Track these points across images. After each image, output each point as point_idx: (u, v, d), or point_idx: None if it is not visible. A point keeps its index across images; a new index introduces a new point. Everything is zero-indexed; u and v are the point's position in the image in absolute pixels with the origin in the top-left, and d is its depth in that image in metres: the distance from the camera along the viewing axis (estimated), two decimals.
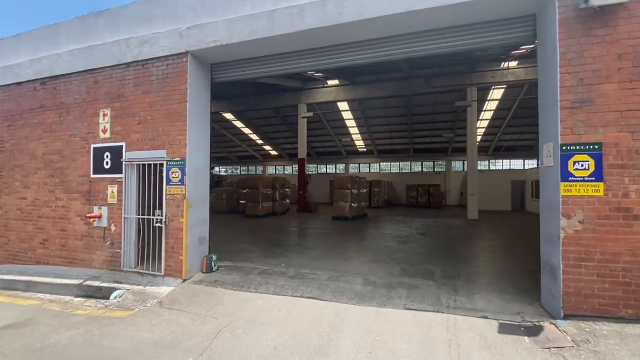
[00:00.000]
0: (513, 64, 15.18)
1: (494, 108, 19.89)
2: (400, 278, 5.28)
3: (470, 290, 4.71)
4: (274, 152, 30.73)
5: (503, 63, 15.26)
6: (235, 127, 25.88)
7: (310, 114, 17.80)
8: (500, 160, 26.07)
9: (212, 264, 5.71)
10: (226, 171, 35.52)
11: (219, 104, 20.35)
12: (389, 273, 5.59)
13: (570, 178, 3.65)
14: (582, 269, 3.60)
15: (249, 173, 33.51)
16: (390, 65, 15.82)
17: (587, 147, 3.61)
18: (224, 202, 17.53)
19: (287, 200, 18.87)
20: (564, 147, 3.69)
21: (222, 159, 34.06)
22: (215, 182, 22.46)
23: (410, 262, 6.37)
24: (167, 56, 5.70)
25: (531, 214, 17.96)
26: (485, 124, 21.44)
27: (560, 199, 3.67)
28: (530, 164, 25.16)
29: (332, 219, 14.34)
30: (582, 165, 3.61)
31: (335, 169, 30.49)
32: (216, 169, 34.81)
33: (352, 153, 29.09)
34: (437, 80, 15.95)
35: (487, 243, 8.75)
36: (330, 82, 17.93)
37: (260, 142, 27.87)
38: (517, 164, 25.77)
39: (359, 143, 26.90)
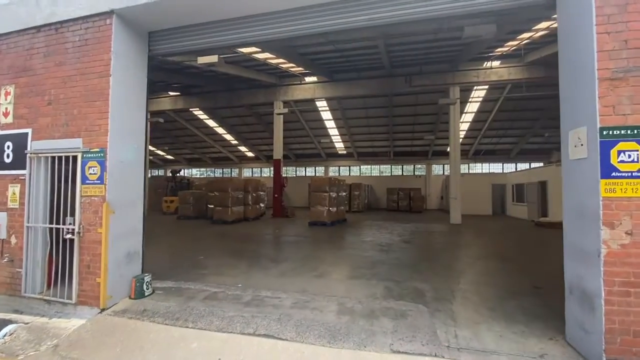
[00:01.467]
0: (496, 63, 14.73)
1: (475, 110, 19.52)
2: (384, 302, 4.21)
3: (472, 318, 3.70)
4: (250, 154, 29.26)
5: (486, 62, 14.78)
6: (207, 126, 24.31)
7: (286, 110, 16.64)
8: (480, 164, 25.90)
9: (144, 287, 4.42)
10: (203, 174, 33.61)
11: (189, 100, 18.84)
12: (371, 295, 4.50)
13: (613, 174, 2.71)
14: (632, 298, 2.65)
15: (224, 176, 31.80)
16: (371, 61, 14.99)
17: (636, 131, 2.69)
18: (190, 207, 15.98)
19: (262, 205, 17.55)
20: (604, 132, 2.75)
21: (195, 161, 32.19)
22: (185, 185, 20.76)
23: (395, 279, 5.32)
24: (87, 17, 4.40)
25: (513, 219, 17.58)
26: (466, 126, 21.05)
27: (601, 202, 2.73)
28: (509, 167, 25.13)
29: (309, 224, 13.20)
30: (630, 157, 2.69)
31: (315, 172, 29.40)
32: (188, 171, 32.87)
33: (332, 156, 28.13)
34: (418, 79, 15.27)
35: (476, 252, 7.89)
36: (308, 80, 16.89)
37: (234, 142, 26.37)
38: (495, 168, 25.69)
39: (339, 145, 25.98)
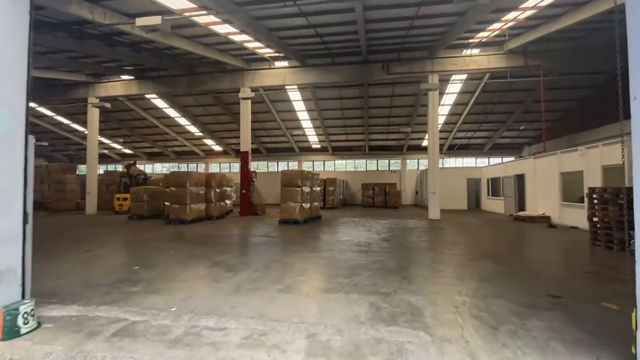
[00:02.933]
0: (475, 51, 14.13)
1: (451, 102, 19.04)
2: (371, 329, 3.06)
3: (497, 353, 2.63)
4: (217, 148, 27.35)
5: (465, 50, 14.14)
6: (168, 116, 22.16)
7: (252, 94, 15.14)
8: (454, 159, 25.72)
9: (21, 322, 2.97)
10: (167, 169, 31.04)
11: (144, 84, 16.79)
12: (353, 317, 3.35)
13: None
14: None
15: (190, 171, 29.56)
16: (347, 46, 13.86)
17: None
18: (144, 205, 14.10)
19: (228, 202, 15.96)
20: None
21: (156, 155, 29.68)
22: (143, 180, 18.60)
23: (382, 290, 4.21)
24: None
25: (489, 213, 17.28)
26: (442, 120, 20.57)
27: None
28: (482, 162, 25.15)
29: (280, 222, 11.91)
30: None
31: (288, 166, 27.94)
32: (149, 166, 30.26)
33: (306, 150, 26.89)
34: (395, 66, 14.36)
35: (466, 251, 7.01)
36: (278, 64, 15.49)
37: (199, 134, 24.35)
38: (469, 162, 25.63)
39: (313, 139, 24.79)
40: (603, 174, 9.64)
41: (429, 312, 3.48)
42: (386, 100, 19.00)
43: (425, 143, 24.36)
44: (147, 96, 19.48)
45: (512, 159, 24.11)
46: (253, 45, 13.04)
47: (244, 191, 15.15)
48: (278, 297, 3.96)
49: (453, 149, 24.35)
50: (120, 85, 17.04)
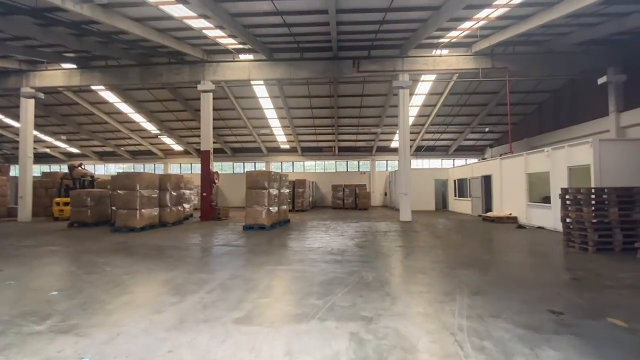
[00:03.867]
0: (445, 52, 14.07)
1: (419, 104, 19.06)
2: None
3: None
4: (177, 147, 25.49)
5: (434, 50, 14.04)
6: (120, 111, 20.12)
7: (212, 86, 13.97)
8: (421, 160, 25.98)
9: None
10: (124, 171, 28.39)
11: (89, 75, 14.96)
12: (331, 359, 2.59)
13: None
14: None
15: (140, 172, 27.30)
16: (317, 41, 13.19)
17: None
18: (87, 211, 12.39)
19: (187, 206, 14.61)
20: None
21: (108, 155, 27.11)
22: (90, 183, 16.54)
23: (363, 313, 3.52)
24: None
25: (456, 214, 17.43)
26: (411, 121, 20.55)
27: None
28: (447, 164, 25.65)
29: (244, 228, 10.91)
30: None
31: (255, 168, 26.75)
32: (100, 167, 27.58)
33: (274, 150, 25.89)
34: (366, 63, 13.92)
35: (446, 258, 6.57)
36: (243, 57, 14.46)
37: (156, 132, 22.43)
38: (435, 164, 26.03)
39: (281, 139, 23.85)
40: (569, 174, 9.78)
41: (423, 344, 2.82)
42: (356, 99, 18.59)
43: (394, 144, 24.41)
44: (94, 88, 17.48)
45: (476, 160, 24.89)
46: (214, 33, 11.94)
47: (204, 194, 13.90)
48: (234, 331, 3.10)
49: (420, 151, 24.59)
50: (60, 75, 15.01)
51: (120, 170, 27.37)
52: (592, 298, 4.05)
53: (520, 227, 11.21)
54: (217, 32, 11.88)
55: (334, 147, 24.84)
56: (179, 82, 14.78)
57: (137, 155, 26.95)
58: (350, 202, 21.68)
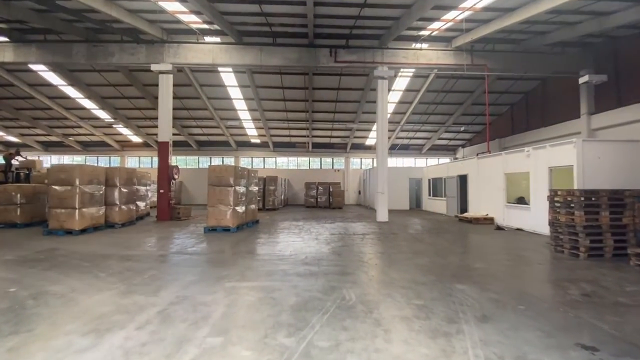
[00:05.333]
0: (425, 46, 13.52)
1: (396, 101, 18.55)
2: None
3: None
4: (136, 139, 23.25)
5: (414, 44, 13.45)
6: (66, 95, 17.77)
7: (169, 66, 12.44)
8: (394, 159, 25.66)
9: None
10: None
11: (25, 50, 12.85)
12: None
13: None
14: None
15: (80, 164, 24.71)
16: (292, 25, 12.08)
17: None
18: (17, 209, 10.49)
19: (142, 204, 13.02)
20: None
21: (54, 146, 24.23)
22: (26, 175, 14.26)
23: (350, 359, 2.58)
24: None
25: (431, 214, 17.12)
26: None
27: None
28: (420, 163, 25.58)
29: (206, 230, 9.64)
30: None
31: (223, 162, 25.12)
32: (46, 158, 24.60)
33: (244, 145, 24.42)
34: (344, 53, 13.04)
35: (435, 267, 5.84)
36: (208, 40, 13.02)
37: (110, 120, 20.19)
38: (408, 163, 25.86)
39: (252, 132, 22.46)
40: (550, 175, 9.51)
41: None
42: (332, 93, 17.70)
43: (369, 142, 23.88)
44: (33, 68, 15.18)
45: (448, 160, 25.02)
46: (174, 7, 10.45)
47: (161, 191, 12.37)
48: None
49: (395, 149, 24.24)
50: None
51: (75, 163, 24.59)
52: (616, 323, 3.41)
53: (499, 228, 10.89)
54: (178, 6, 10.42)
55: (308, 143, 23.85)
56: (134, 64, 13.04)
57: (90, 146, 24.33)
58: (324, 200, 20.82)
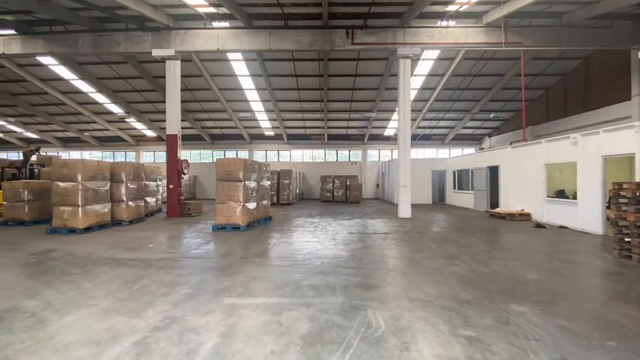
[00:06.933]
0: (452, 23, 12.22)
1: (418, 87, 17.25)
2: None
3: None
4: (150, 133, 23.02)
5: (440, 21, 12.18)
6: (78, 90, 17.56)
7: (172, 51, 11.74)
8: (415, 150, 24.33)
9: None
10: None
11: (32, 42, 12.48)
12: None
13: None
14: None
15: (83, 160, 24.72)
16: (304, 3, 11.10)
17: None
18: (25, 206, 10.19)
19: (152, 200, 12.55)
20: None
21: (72, 141, 24.39)
22: (39, 173, 14.08)
23: None
24: None
25: (456, 208, 15.90)
26: None
27: None
28: (443, 154, 24.16)
29: (214, 229, 8.97)
30: None
31: (237, 156, 24.59)
32: (65, 154, 24.84)
33: (258, 138, 23.75)
34: (362, 35, 11.93)
35: (475, 279, 4.88)
36: (216, 25, 12.24)
37: (121, 113, 19.93)
38: (429, 154, 24.48)
39: (265, 125, 21.72)
40: (604, 165, 8.20)
41: None
42: (348, 80, 16.62)
43: (388, 132, 22.66)
44: (45, 62, 14.93)
45: (473, 150, 23.48)
46: None
47: (171, 186, 11.82)
48: None
49: (416, 139, 22.89)
50: None
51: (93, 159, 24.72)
52: None
53: (539, 226, 9.67)
54: None
55: (323, 134, 22.90)
56: (140, 53, 12.44)
57: (105, 141, 24.35)
58: (340, 194, 19.92)
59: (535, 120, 18.09)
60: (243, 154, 23.92)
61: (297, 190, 20.49)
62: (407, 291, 4.15)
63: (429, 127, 22.25)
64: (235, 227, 8.89)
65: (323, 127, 21.97)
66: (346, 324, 3.18)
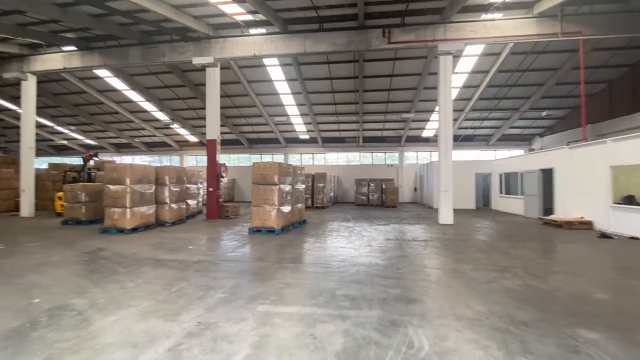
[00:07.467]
0: (498, 16, 11.39)
1: (460, 85, 16.35)
2: None
3: None
4: (192, 138, 24.23)
5: (484, 14, 11.41)
6: (129, 99, 18.94)
7: (211, 59, 12.14)
8: (456, 152, 22.99)
9: None
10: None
11: (88, 56, 13.60)
12: None
13: None
14: None
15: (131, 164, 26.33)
16: (340, 3, 10.97)
17: None
18: (82, 207, 11.07)
19: (193, 202, 13.07)
20: None
21: (124, 147, 26.37)
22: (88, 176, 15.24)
23: None
24: None
25: (503, 214, 14.73)
26: None
27: None
28: (488, 156, 22.65)
29: (250, 231, 9.07)
30: None
31: (272, 160, 25.06)
32: (118, 159, 26.94)
33: (293, 141, 24.00)
34: (399, 33, 11.50)
35: (530, 293, 4.35)
36: (253, 32, 12.51)
37: (166, 120, 21.14)
38: (472, 156, 23.06)
39: (300, 128, 21.88)
40: None
41: None
42: (384, 81, 16.19)
43: (426, 133, 21.77)
44: (100, 74, 16.30)
45: (522, 151, 21.74)
46: None
47: (210, 189, 12.22)
48: None
49: (457, 140, 21.70)
50: (60, 58, 13.76)
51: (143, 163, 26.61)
52: None
53: (605, 236, 8.57)
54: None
55: (358, 137, 22.55)
56: (183, 62, 13.06)
57: (153, 146, 26.03)
58: (375, 198, 19.42)
59: (595, 117, 16.31)
60: (279, 158, 24.29)
61: (332, 194, 20.32)
62: (453, 307, 3.77)
63: (471, 128, 21.02)
64: (270, 231, 8.91)
65: (358, 130, 21.64)
66: (385, 342, 2.92)
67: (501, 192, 16.55)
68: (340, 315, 3.51)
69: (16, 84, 14.77)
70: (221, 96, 13.16)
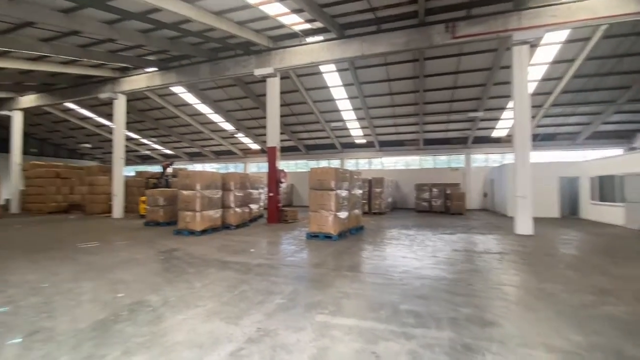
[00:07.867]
0: None
1: (538, 78, 14.55)
2: None
3: None
4: (255, 146, 25.58)
5: None
6: (199, 112, 20.76)
7: (271, 69, 12.59)
8: (534, 153, 20.45)
9: None
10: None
11: (166, 75, 15.21)
12: None
13: None
14: None
15: (201, 171, 28.32)
16: (398, 3, 10.59)
17: None
18: (160, 210, 12.33)
19: (255, 206, 13.67)
20: None
21: (196, 155, 28.97)
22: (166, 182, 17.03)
23: None
24: None
25: (596, 224, 12.58)
26: None
27: None
28: (574, 156, 19.69)
29: (308, 237, 9.11)
30: None
31: (329, 165, 25.20)
32: (191, 167, 29.71)
33: (349, 146, 23.85)
34: (464, 26, 10.63)
35: None
36: (310, 40, 12.74)
37: (232, 130, 22.63)
38: (554, 157, 20.26)
39: (356, 133, 21.65)
40: None
41: None
42: (448, 79, 15.17)
43: (496, 133, 19.84)
44: (174, 90, 18.18)
45: (619, 151, 18.48)
46: (274, 9, 10.40)
47: (271, 194, 12.66)
48: None
49: (535, 140, 19.31)
50: (144, 78, 15.69)
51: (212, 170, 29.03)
52: None
53: None
54: (279, 7, 10.33)
55: (419, 139, 21.48)
56: (246, 74, 13.85)
57: (220, 155, 28.12)
58: (439, 204, 18.20)
59: None
60: (335, 163, 24.34)
61: (390, 199, 19.61)
62: (541, 335, 3.20)
63: (552, 125, 18.56)
64: (327, 236, 8.83)
65: (418, 132, 20.62)
66: None
67: (593, 199, 14.20)
68: (405, 334, 3.21)
69: (109, 103, 17.20)
70: (280, 105, 13.63)
